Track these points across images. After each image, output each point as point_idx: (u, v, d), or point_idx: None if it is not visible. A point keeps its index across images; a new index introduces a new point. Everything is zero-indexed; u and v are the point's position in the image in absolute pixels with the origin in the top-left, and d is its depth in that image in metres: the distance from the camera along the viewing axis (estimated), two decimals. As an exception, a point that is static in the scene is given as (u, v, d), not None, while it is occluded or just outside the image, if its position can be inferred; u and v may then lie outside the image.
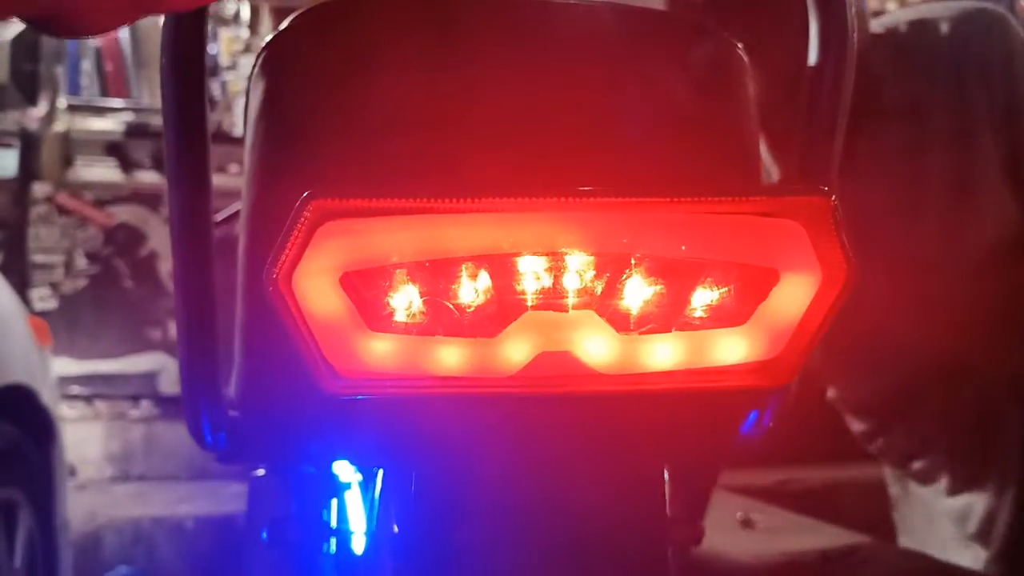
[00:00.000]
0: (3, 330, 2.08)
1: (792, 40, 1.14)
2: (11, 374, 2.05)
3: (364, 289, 0.48)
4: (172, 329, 4.08)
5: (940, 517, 1.55)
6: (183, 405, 0.71)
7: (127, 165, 4.16)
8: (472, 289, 0.49)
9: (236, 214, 1.08)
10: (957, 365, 1.45)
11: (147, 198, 4.11)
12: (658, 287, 0.50)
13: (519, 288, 0.49)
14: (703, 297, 0.50)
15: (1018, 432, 1.45)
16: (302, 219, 0.44)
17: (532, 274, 0.49)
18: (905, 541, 1.69)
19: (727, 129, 0.65)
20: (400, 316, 0.49)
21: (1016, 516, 1.44)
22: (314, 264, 0.46)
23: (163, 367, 4.04)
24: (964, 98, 1.38)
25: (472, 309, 0.49)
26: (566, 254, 0.49)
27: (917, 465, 1.55)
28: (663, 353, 0.50)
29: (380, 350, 0.48)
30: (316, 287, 0.46)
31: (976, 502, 1.48)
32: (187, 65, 0.61)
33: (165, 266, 4.09)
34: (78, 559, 2.41)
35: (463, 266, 0.48)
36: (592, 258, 0.49)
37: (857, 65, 0.67)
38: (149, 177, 4.18)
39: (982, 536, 1.48)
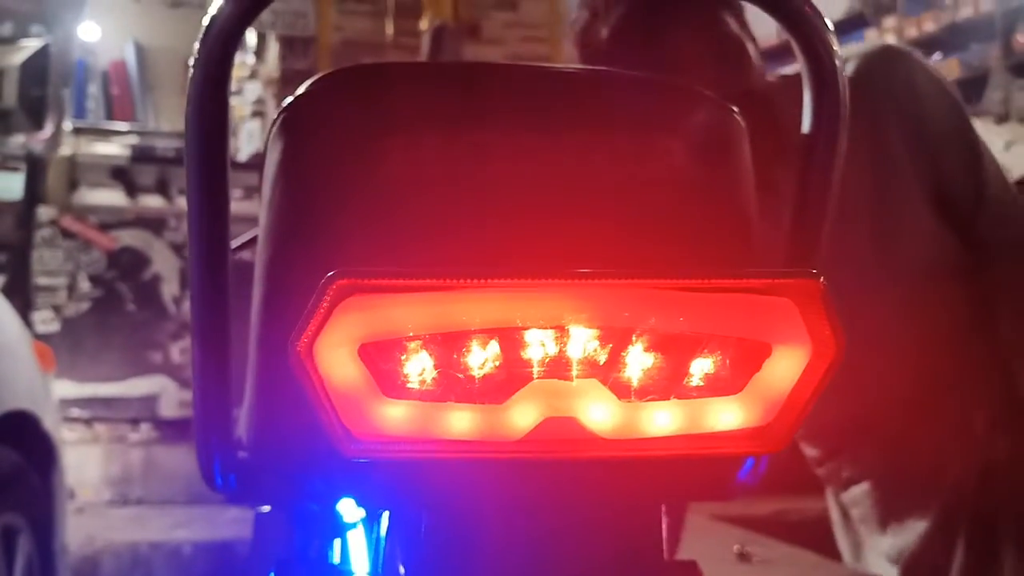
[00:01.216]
0: (7, 356, 2.10)
1: (694, 77, 1.16)
2: (14, 400, 2.07)
3: (380, 359, 0.51)
4: (173, 353, 4.10)
5: (870, 551, 1.56)
6: (196, 446, 0.73)
7: (132, 189, 4.20)
8: (482, 359, 0.52)
9: (250, 241, 1.10)
10: (903, 395, 1.46)
11: (151, 222, 4.15)
12: (658, 358, 0.53)
13: (526, 358, 0.52)
14: (700, 367, 0.53)
15: (965, 469, 1.41)
16: (326, 296, 0.47)
17: (539, 345, 0.52)
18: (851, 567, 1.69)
19: (725, 196, 0.68)
20: (414, 384, 0.52)
21: (966, 562, 1.42)
22: (335, 336, 0.49)
23: (164, 390, 4.06)
24: (878, 131, 1.40)
25: (482, 377, 0.52)
26: (571, 327, 0.52)
27: (857, 493, 1.55)
28: (662, 419, 0.53)
29: (394, 415, 0.51)
30: (336, 357, 0.49)
31: (909, 540, 1.47)
32: (212, 93, 0.62)
33: (168, 289, 4.12)
34: (75, 583, 2.42)
35: (474, 338, 0.51)
36: (596, 331, 0.52)
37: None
38: (154, 201, 4.22)
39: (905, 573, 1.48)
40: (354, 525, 0.98)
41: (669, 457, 0.53)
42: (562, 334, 0.52)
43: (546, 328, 0.52)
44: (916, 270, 1.42)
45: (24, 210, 3.97)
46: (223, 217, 0.67)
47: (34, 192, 3.99)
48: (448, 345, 0.52)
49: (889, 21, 5.36)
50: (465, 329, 0.51)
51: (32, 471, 2.16)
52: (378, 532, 0.88)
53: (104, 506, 3.82)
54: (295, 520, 1.02)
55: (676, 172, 0.65)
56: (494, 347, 0.52)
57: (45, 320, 3.95)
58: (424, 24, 4.97)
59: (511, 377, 0.52)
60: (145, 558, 3.22)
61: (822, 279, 0.49)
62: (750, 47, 1.40)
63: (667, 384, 0.53)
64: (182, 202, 4.26)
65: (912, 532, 1.46)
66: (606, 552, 0.59)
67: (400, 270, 0.48)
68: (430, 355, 0.52)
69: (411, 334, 0.51)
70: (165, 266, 4.12)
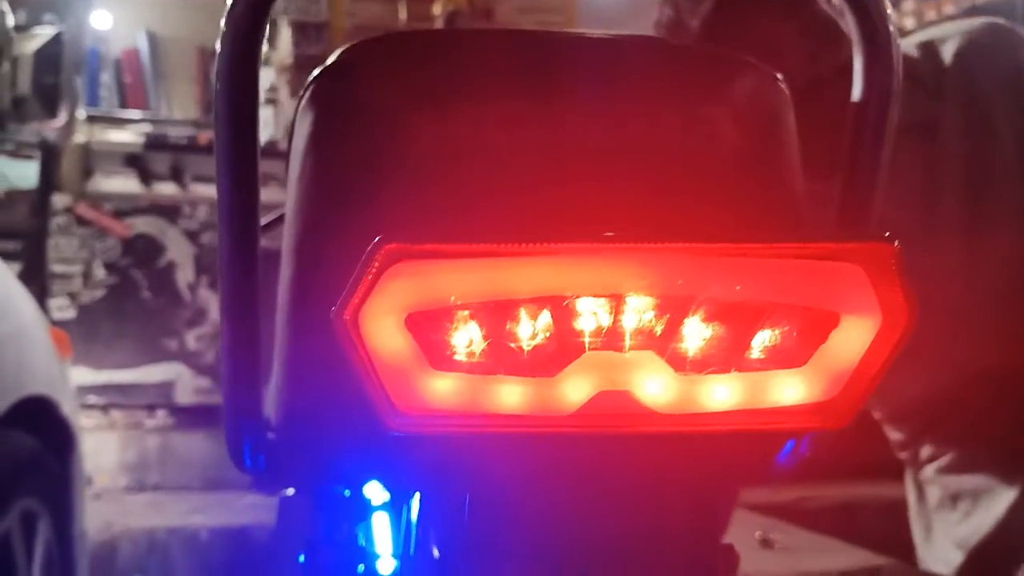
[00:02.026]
0: (25, 342, 2.10)
1: (791, 59, 1.14)
2: (32, 385, 2.06)
3: (428, 329, 0.49)
4: (189, 340, 4.10)
5: (941, 536, 1.55)
6: (225, 428, 0.71)
7: (146, 176, 4.19)
8: (533, 330, 0.50)
9: (276, 221, 1.08)
10: (988, 371, 1.44)
11: (165, 209, 4.14)
12: (718, 329, 0.50)
13: (579, 329, 0.50)
14: (762, 339, 0.51)
15: None
16: (374, 262, 0.45)
17: (592, 315, 0.50)
18: (920, 553, 1.68)
19: (772, 164, 0.66)
20: (462, 355, 0.50)
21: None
22: (381, 305, 0.46)
23: (179, 377, 4.06)
24: (979, 108, 1.38)
25: (533, 349, 0.50)
26: (627, 296, 0.49)
27: (936, 472, 1.54)
28: (721, 393, 0.50)
29: (442, 389, 0.49)
30: (382, 327, 0.47)
31: (986, 521, 1.46)
32: (241, 75, 0.61)
33: (183, 276, 4.12)
34: (93, 568, 2.42)
35: (525, 307, 0.49)
36: (653, 300, 0.50)
37: None
38: (168, 189, 4.22)
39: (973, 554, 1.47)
40: (381, 507, 0.97)
41: (727, 433, 0.50)
42: (617, 303, 0.49)
43: (600, 297, 0.49)
44: (1013, 247, 1.40)
45: (39, 198, 3.96)
46: (252, 195, 0.65)
47: (49, 180, 3.98)
48: (498, 315, 0.50)
49: (908, 4, 5.30)
50: (516, 298, 0.49)
51: (51, 457, 2.16)
52: (408, 514, 0.87)
53: (121, 492, 3.83)
54: (321, 503, 1.00)
55: (721, 141, 0.63)
56: (546, 317, 0.50)
57: (61, 307, 3.95)
58: (438, 9, 4.93)
59: (563, 349, 0.50)
60: (162, 543, 3.22)
61: (896, 243, 0.47)
62: (840, 22, 1.38)
63: (727, 356, 0.51)
64: (196, 189, 4.26)
65: (990, 513, 1.45)
66: (654, 532, 0.57)
67: (451, 235, 0.45)
68: (479, 325, 0.50)
69: (460, 303, 0.48)
70: (180, 253, 4.11)
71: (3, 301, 2.01)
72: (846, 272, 0.48)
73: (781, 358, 0.51)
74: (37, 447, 2.08)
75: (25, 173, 3.96)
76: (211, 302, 4.12)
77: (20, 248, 3.91)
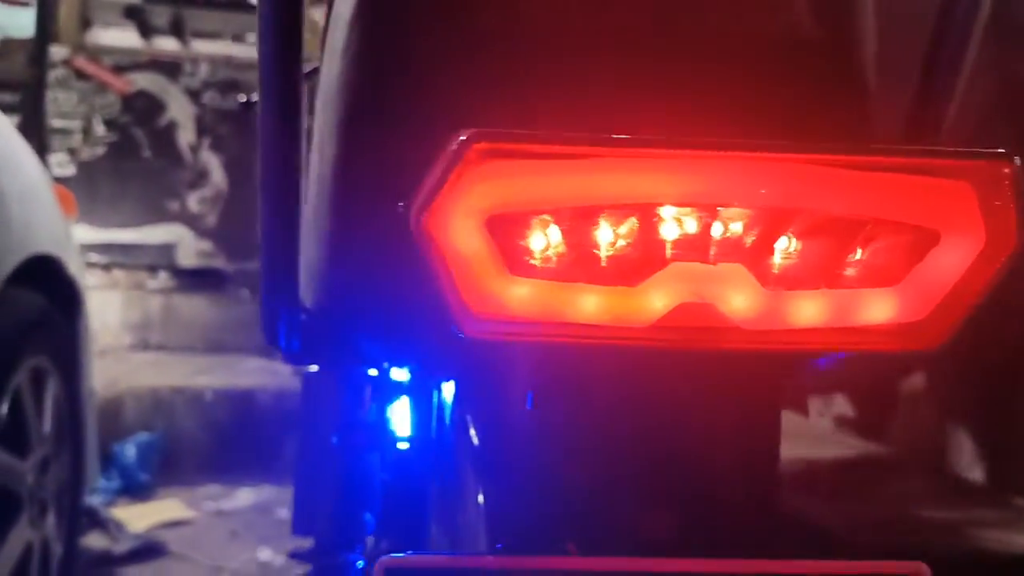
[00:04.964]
0: (30, 199, 2.06)
1: None
2: (39, 244, 2.04)
3: (507, 233, 0.46)
4: (191, 202, 4.06)
5: None
6: (261, 306, 0.70)
7: (146, 30, 4.05)
8: (616, 237, 0.47)
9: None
10: None
11: (166, 66, 4.02)
12: (811, 243, 0.48)
13: (665, 238, 0.47)
14: (857, 255, 0.49)
15: None
16: (461, 160, 0.42)
17: (680, 224, 0.47)
18: None
19: (845, 57, 0.62)
20: (541, 261, 0.47)
21: None
22: (464, 206, 0.44)
23: (181, 239, 4.03)
24: None
25: (615, 257, 0.48)
26: (717, 206, 0.47)
27: None
28: (809, 310, 0.48)
29: (520, 295, 0.47)
30: (462, 229, 0.45)
31: None
32: None
33: (184, 137, 4.04)
34: (100, 423, 2.47)
35: (610, 213, 0.47)
36: (746, 212, 0.47)
37: None
38: (168, 44, 4.08)
39: None
40: (407, 389, 0.96)
41: (811, 351, 0.49)
42: (708, 214, 0.47)
43: (688, 205, 0.47)
44: None
45: (36, 47, 3.84)
46: (296, 60, 0.61)
47: (45, 29, 3.84)
48: (582, 221, 0.47)
49: None
50: (600, 204, 0.46)
51: (58, 315, 2.16)
52: (440, 399, 0.86)
53: (125, 350, 3.88)
54: (348, 382, 1.00)
55: (797, 30, 0.60)
56: (631, 225, 0.47)
57: (61, 163, 3.89)
58: None
59: (647, 258, 0.48)
60: (167, 402, 3.28)
61: (1016, 160, 0.44)
62: None
63: (818, 272, 0.49)
64: (197, 45, 4.13)
65: None
66: (720, 452, 0.56)
67: (547, 135, 0.42)
68: (561, 231, 0.47)
69: (543, 207, 0.46)
70: (181, 113, 4.02)
71: (8, 157, 1.96)
72: (953, 189, 0.45)
73: (874, 276, 0.49)
74: (45, 305, 2.07)
75: (20, 22, 3.82)
76: (213, 164, 4.05)
77: (17, 100, 3.81)
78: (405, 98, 0.58)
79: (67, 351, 2.24)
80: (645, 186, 0.45)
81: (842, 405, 2.08)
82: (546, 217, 0.47)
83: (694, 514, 0.55)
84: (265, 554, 2.58)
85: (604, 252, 0.48)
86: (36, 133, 3.75)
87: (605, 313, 0.47)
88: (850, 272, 0.49)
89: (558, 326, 0.47)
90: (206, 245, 4.04)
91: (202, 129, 4.04)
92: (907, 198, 0.46)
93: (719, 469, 0.56)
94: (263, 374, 3.54)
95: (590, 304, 0.47)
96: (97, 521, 2.68)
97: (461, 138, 0.42)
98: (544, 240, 0.48)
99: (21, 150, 2.07)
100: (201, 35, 4.12)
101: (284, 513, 2.92)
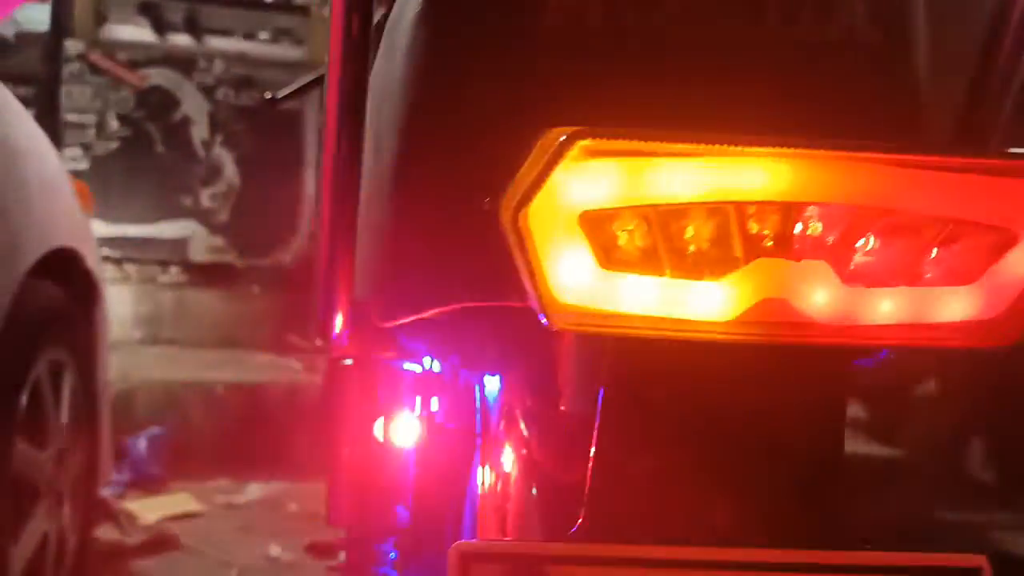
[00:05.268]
0: (49, 192, 2.07)
1: None
2: (58, 237, 2.04)
3: (598, 227, 0.47)
4: (203, 197, 4.07)
5: None
6: (319, 299, 0.71)
7: (160, 26, 4.06)
8: (704, 232, 0.48)
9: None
10: None
11: (180, 62, 4.03)
12: (893, 242, 0.49)
13: (749, 234, 0.48)
14: (937, 254, 0.50)
15: None
16: (562, 156, 0.43)
17: (765, 221, 0.48)
18: None
19: (899, 61, 0.63)
20: (628, 255, 0.48)
21: None
22: (564, 201, 0.45)
23: (193, 235, 4.05)
24: None
25: (701, 252, 0.49)
26: (802, 203, 0.48)
27: None
28: (887, 307, 0.49)
29: (607, 288, 0.48)
30: (560, 224, 0.46)
31: None
32: None
33: (197, 132, 4.05)
34: (112, 416, 2.48)
35: (698, 209, 0.48)
36: (828, 209, 0.48)
37: None
38: (182, 40, 4.09)
39: None
40: (450, 382, 0.97)
41: (887, 347, 0.50)
42: (794, 211, 0.48)
43: (775, 202, 0.48)
44: None
45: (51, 42, 3.85)
46: (363, 62, 0.62)
47: (60, 23, 3.85)
48: (670, 216, 0.48)
49: None
50: (692, 201, 0.47)
51: (76, 308, 2.17)
52: (482, 394, 0.87)
53: (136, 344, 3.89)
54: (392, 375, 1.01)
55: (853, 33, 0.61)
56: (718, 220, 0.48)
57: (74, 157, 3.90)
58: None
59: (732, 254, 0.49)
60: (179, 396, 3.29)
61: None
62: None
63: (898, 270, 0.50)
64: (211, 42, 4.14)
65: None
66: (789, 445, 0.57)
67: (646, 133, 0.43)
68: (649, 226, 0.48)
69: (632, 203, 0.47)
70: (195, 109, 4.03)
71: (30, 150, 1.97)
72: None
73: (951, 274, 0.50)
74: (64, 298, 2.08)
75: (36, 16, 3.83)
76: (225, 160, 4.07)
77: (32, 94, 3.82)
78: (470, 98, 0.59)
79: (84, 344, 2.25)
80: (736, 183, 0.46)
81: (854, 408, 2.09)
82: (635, 212, 0.48)
83: (762, 505, 0.56)
84: (275, 549, 2.59)
85: (691, 247, 0.49)
86: (50, 127, 3.76)
87: (690, 306, 0.48)
88: (928, 270, 0.50)
89: (643, 319, 0.49)
90: (218, 240, 4.05)
91: (215, 125, 4.05)
92: (989, 199, 0.48)
93: (789, 462, 0.57)
94: (274, 369, 3.55)
95: (675, 297, 0.48)
96: (108, 513, 2.69)
97: (562, 137, 0.43)
98: (632, 235, 0.49)
99: (42, 142, 2.09)
100: (215, 32, 4.14)
101: (294, 507, 2.93)
